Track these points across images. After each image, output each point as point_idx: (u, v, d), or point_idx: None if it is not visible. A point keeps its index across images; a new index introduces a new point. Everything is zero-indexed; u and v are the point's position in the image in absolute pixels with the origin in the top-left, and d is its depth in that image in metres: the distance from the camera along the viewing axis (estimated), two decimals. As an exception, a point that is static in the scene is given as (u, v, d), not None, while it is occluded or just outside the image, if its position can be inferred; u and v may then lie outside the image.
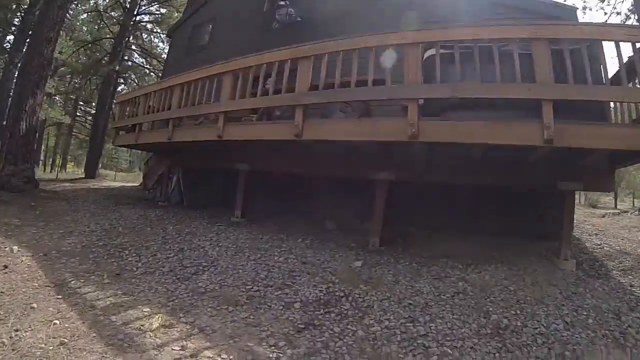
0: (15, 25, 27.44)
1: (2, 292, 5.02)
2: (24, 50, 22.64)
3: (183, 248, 7.18)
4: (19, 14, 26.96)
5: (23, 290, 5.17)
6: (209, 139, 8.23)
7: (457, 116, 5.63)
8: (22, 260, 6.30)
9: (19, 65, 11.97)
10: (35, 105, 12.94)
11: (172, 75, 11.07)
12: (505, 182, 7.24)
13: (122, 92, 11.92)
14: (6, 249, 6.78)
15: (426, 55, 6.15)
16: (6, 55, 26.05)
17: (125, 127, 12.22)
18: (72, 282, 5.58)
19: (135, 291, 5.33)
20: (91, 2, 31.86)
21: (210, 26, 16.23)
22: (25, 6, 25.52)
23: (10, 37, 28.16)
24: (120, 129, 12.85)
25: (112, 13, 31.12)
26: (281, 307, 5.00)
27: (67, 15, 19.00)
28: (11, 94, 23.92)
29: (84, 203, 11.64)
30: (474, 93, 5.39)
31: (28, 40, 19.53)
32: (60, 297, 5.05)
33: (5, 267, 5.90)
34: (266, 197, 10.51)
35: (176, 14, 28.20)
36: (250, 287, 5.55)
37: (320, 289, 5.50)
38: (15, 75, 22.31)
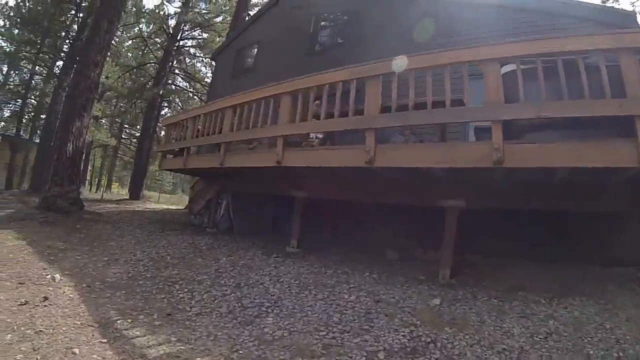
0: (64, 51, 28.55)
1: (40, 330, 4.48)
2: (72, 74, 23.24)
3: (240, 283, 6.51)
4: (67, 40, 27.95)
5: (63, 329, 4.60)
6: (266, 165, 7.67)
7: (537, 137, 5.00)
8: (64, 292, 5.80)
9: (67, 88, 12.01)
10: (82, 127, 12.82)
11: (217, 98, 10.78)
12: (585, 207, 6.43)
13: (168, 115, 11.75)
14: (48, 276, 6.34)
15: (502, 71, 5.52)
16: (55, 80, 26.89)
17: (172, 151, 11.81)
18: (119, 321, 5.00)
19: (191, 338, 4.66)
20: (136, 29, 32.82)
21: (255, 49, 16.21)
22: (74, 33, 26.40)
23: (60, 63, 29.54)
24: (166, 153, 12.47)
25: (156, 39, 31.89)
26: (364, 359, 4.31)
27: (113, 41, 19.26)
28: (59, 116, 24.56)
29: (129, 227, 11.27)
30: (561, 112, 4.68)
31: (75, 64, 19.85)
32: (105, 340, 4.45)
33: (46, 298, 5.42)
34: (319, 225, 9.91)
35: (218, 39, 28.64)
36: (324, 333, 4.81)
37: (402, 333, 4.75)
38: (64, 99, 22.87)
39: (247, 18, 22.43)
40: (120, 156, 43.61)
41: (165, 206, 23.29)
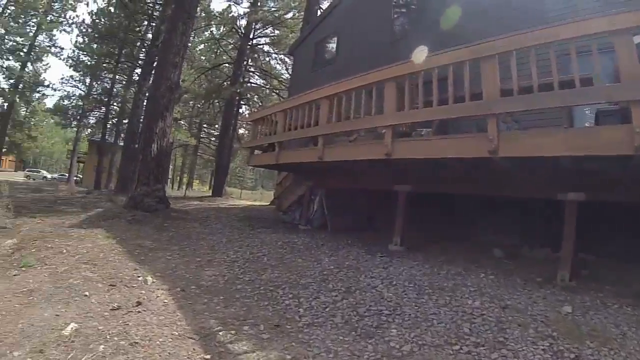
0: (141, 59, 29.94)
1: (135, 342, 4.08)
2: (151, 79, 23.88)
3: (350, 288, 5.84)
4: (143, 48, 29.07)
5: (160, 340, 4.18)
6: (373, 157, 7.06)
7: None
8: (158, 296, 5.46)
9: (148, 91, 12.15)
10: (165, 127, 12.84)
11: (299, 92, 10.36)
12: None
13: (254, 110, 11.47)
14: (139, 278, 6.08)
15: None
16: (135, 86, 27.96)
17: (261, 147, 11.51)
18: (221, 333, 4.52)
19: (308, 354, 4.03)
20: (207, 33, 33.39)
21: (334, 40, 15.65)
22: (149, 42, 27.27)
23: (138, 70, 30.69)
24: (254, 149, 12.11)
25: (229, 40, 32.29)
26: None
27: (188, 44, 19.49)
28: (141, 119, 25.35)
29: (217, 225, 11.05)
30: None
31: (154, 69, 20.24)
32: (209, 357, 3.93)
33: (139, 303, 5.09)
34: (418, 221, 9.05)
35: (291, 34, 28.44)
36: (458, 347, 4.11)
37: (542, 347, 3.99)
38: (145, 102, 23.59)
39: (319, 11, 21.97)
40: (200, 154, 44.69)
41: (248, 202, 23.37)
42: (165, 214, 11.74)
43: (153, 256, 7.48)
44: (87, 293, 5.34)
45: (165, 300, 5.34)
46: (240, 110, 33.17)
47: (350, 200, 11.02)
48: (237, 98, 29.85)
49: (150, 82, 19.33)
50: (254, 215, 13.92)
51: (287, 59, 31.80)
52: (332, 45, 15.84)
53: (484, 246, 7.81)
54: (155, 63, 13.68)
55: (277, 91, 30.29)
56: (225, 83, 30.18)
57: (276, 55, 32.20)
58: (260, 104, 31.13)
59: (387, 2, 12.96)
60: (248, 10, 28.94)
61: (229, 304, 5.37)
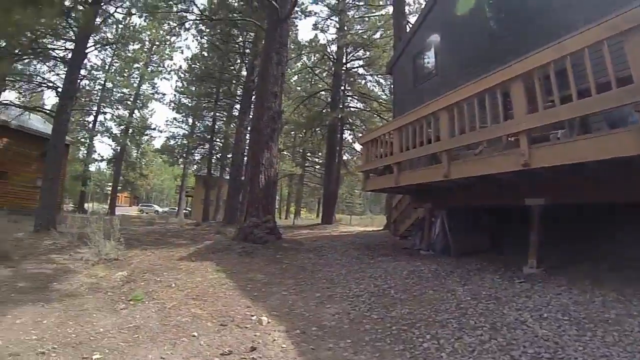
0: (238, 96, 30.97)
1: None
2: (251, 112, 24.40)
3: (495, 324, 4.77)
4: (240, 86, 30.13)
5: None
6: (507, 170, 6.10)
7: None
8: (274, 339, 4.75)
9: (250, 123, 12.14)
10: (271, 157, 12.55)
11: (404, 111, 9.62)
12: None
13: (363, 133, 10.80)
14: (253, 317, 5.44)
15: None
16: (236, 121, 28.76)
17: (375, 170, 10.61)
18: None
19: None
20: (298, 64, 33.82)
21: (432, 50, 14.66)
22: (244, 78, 28.09)
23: (237, 106, 31.74)
24: (369, 172, 11.07)
25: (323, 67, 32.41)
26: None
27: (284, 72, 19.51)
28: (245, 152, 25.85)
29: (333, 255, 10.37)
30: None
31: (253, 102, 20.53)
32: None
33: (254, 349, 4.42)
34: (551, 238, 7.80)
35: (384, 53, 27.84)
36: None
37: None
38: (247, 135, 24.08)
39: (407, 26, 21.20)
40: (306, 183, 45.09)
41: (359, 228, 22.62)
42: (277, 245, 11.28)
43: (267, 291, 6.88)
44: (195, 333, 4.84)
45: (284, 345, 4.61)
46: (344, 136, 33.12)
47: (472, 220, 10.04)
48: (339, 124, 29.77)
49: (251, 114, 19.47)
50: (369, 242, 13.11)
51: (382, 80, 31.56)
52: (431, 56, 14.77)
53: (632, 263, 6.38)
54: (254, 96, 13.68)
55: (378, 113, 29.64)
56: (324, 110, 30.16)
57: (371, 77, 31.96)
58: (364, 127, 30.72)
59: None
60: (336, 35, 28.90)
61: (357, 349, 4.51)
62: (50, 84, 19.27)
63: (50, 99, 54.28)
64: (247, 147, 22.27)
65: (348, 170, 35.59)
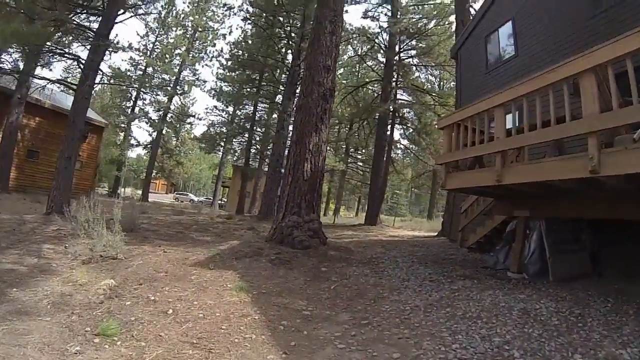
0: (282, 82, 28.98)
1: None
2: (295, 99, 22.20)
3: None
4: (285, 71, 28.00)
5: None
6: None
7: None
8: None
9: (296, 102, 9.93)
10: (320, 142, 10.18)
11: (472, 99, 8.26)
12: None
13: (448, 113, 8.77)
14: None
15: None
16: (278, 107, 26.57)
17: (457, 163, 7.78)
18: None
19: None
20: (345, 57, 32.13)
21: (509, 28, 12.63)
22: (289, 63, 25.95)
23: (279, 97, 30.04)
24: (452, 167, 7.85)
25: (373, 56, 30.42)
26: None
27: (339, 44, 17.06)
28: (287, 140, 23.71)
29: (395, 271, 7.88)
30: None
31: (301, 80, 18.23)
32: None
33: None
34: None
35: (442, 43, 25.80)
36: None
37: None
38: (292, 121, 21.86)
39: (471, 8, 19.44)
40: (347, 179, 42.94)
41: (409, 232, 20.44)
42: (321, 253, 8.86)
43: (311, 336, 4.43)
44: None
45: None
46: (395, 131, 30.70)
47: (571, 236, 7.67)
48: (390, 118, 27.49)
49: (296, 101, 17.03)
50: (432, 253, 10.66)
51: (436, 72, 29.28)
52: (509, 35, 12.72)
53: None
54: (303, 69, 11.31)
55: (433, 106, 27.03)
56: (375, 102, 27.73)
57: (425, 69, 29.43)
58: (418, 120, 28.16)
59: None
60: (387, 24, 26.35)
61: None
62: (73, 56, 17.36)
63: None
64: (290, 135, 20.09)
65: (395, 169, 33.04)
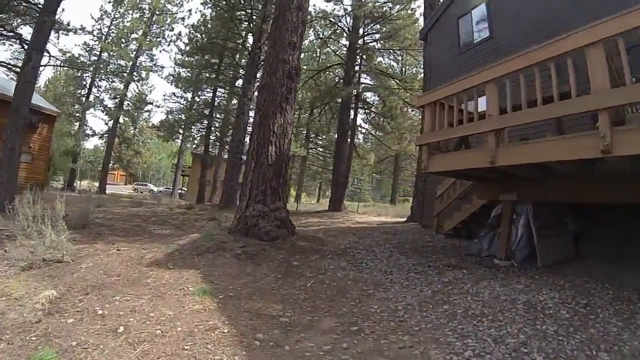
0: (242, 66, 27.90)
1: None
2: (256, 83, 21.28)
3: None
4: (245, 55, 27.05)
5: None
6: None
7: None
8: None
9: (260, 79, 9.11)
10: (285, 124, 9.38)
11: (442, 82, 7.39)
12: None
13: (428, 92, 8.33)
14: None
15: None
16: (238, 92, 25.48)
17: (445, 145, 7.21)
18: None
19: None
20: (306, 42, 30.70)
21: (484, 10, 12.20)
22: (249, 47, 25.17)
23: (239, 82, 29.16)
24: (434, 148, 7.12)
25: (337, 40, 29.44)
26: None
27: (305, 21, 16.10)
28: (247, 128, 22.82)
29: (375, 263, 7.18)
30: None
31: (263, 58, 17.27)
32: None
33: None
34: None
35: (407, 27, 25.31)
36: None
37: None
38: (253, 101, 20.81)
39: None
40: (308, 165, 42.21)
41: (375, 218, 19.79)
42: (290, 244, 8.13)
43: (294, 351, 3.65)
44: None
45: None
46: (358, 115, 29.97)
47: (556, 220, 7.32)
48: (353, 101, 26.87)
49: (261, 73, 15.89)
50: (408, 240, 10.04)
51: (401, 57, 28.56)
52: (483, 17, 12.29)
53: None
54: (267, 46, 10.34)
55: (399, 90, 26.51)
56: (337, 86, 27.05)
57: (390, 54, 28.87)
58: (384, 104, 27.53)
59: None
60: (351, 7, 25.63)
61: None
62: (13, 34, 15.90)
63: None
64: (252, 119, 19.20)
65: (357, 154, 32.44)
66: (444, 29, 14.19)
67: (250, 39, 26.13)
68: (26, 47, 13.70)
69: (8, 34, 16.18)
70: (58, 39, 27.28)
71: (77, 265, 5.96)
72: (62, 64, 24.19)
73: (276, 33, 10.24)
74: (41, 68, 14.82)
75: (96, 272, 5.63)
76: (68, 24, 20.04)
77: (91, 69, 36.06)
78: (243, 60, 28.52)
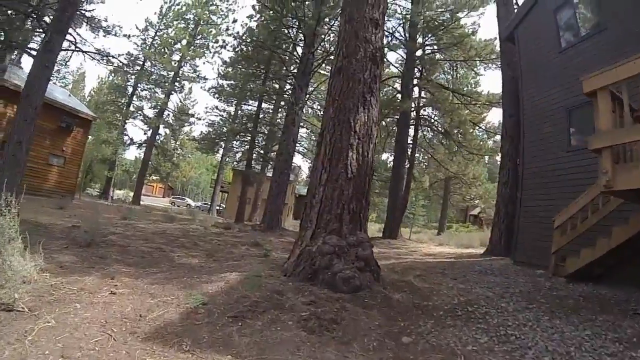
0: (291, 74, 25.63)
1: None
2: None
3: None
4: (296, 60, 24.70)
5: None
6: None
7: None
8: None
9: (333, 62, 6.68)
10: (370, 123, 6.65)
11: (536, 86, 7.88)
12: None
13: (608, 68, 6.51)
14: None
15: None
16: (290, 98, 22.58)
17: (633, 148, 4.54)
18: None
19: None
20: None
21: None
22: (298, 55, 23.16)
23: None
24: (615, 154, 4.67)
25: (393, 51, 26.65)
26: None
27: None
28: (297, 138, 20.28)
29: (524, 332, 4.41)
30: None
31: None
32: None
33: None
34: None
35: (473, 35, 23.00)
36: None
37: None
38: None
39: None
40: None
41: (440, 248, 17.35)
42: (383, 299, 5.24)
43: None
44: None
45: None
46: (419, 132, 26.91)
47: None
48: (414, 118, 24.36)
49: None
50: (525, 286, 7.07)
51: (461, 70, 26.29)
52: (589, 5, 10.16)
53: None
54: (340, 24, 7.45)
55: (467, 103, 23.72)
56: (394, 100, 24.34)
57: (453, 67, 26.02)
58: (450, 120, 24.52)
59: None
60: (410, 15, 23.03)
61: None
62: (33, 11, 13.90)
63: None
64: (302, 131, 16.61)
65: (413, 176, 29.32)
66: (536, 26, 11.84)
67: (299, 49, 23.91)
68: (45, 26, 11.55)
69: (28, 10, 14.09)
70: (96, 37, 25.86)
71: (27, 324, 3.39)
72: (92, 57, 22.30)
73: (351, 8, 7.51)
74: (74, 68, 12.68)
75: (48, 348, 3.02)
76: (105, 20, 18.11)
77: (126, 69, 34.92)
78: (292, 67, 25.88)
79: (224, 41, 37.91)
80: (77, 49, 16.36)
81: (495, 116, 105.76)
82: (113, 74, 40.05)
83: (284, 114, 25.39)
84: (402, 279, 6.87)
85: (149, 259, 6.91)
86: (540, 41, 11.51)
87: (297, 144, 20.98)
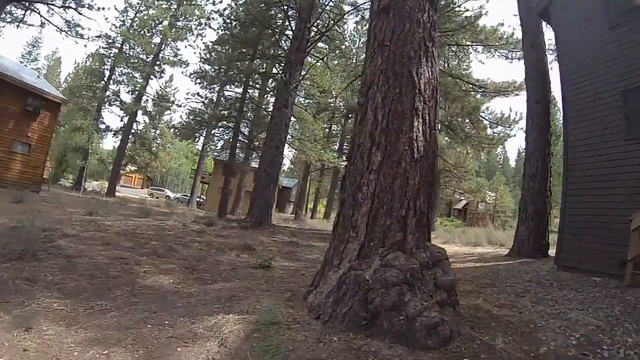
0: (282, 53, 22.76)
1: None
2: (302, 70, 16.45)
3: None
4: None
5: None
6: None
7: None
8: None
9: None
10: (434, 83, 4.53)
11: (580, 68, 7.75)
12: None
13: None
14: None
15: None
16: (281, 77, 20.20)
17: None
18: None
19: None
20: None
21: None
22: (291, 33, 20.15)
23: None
24: None
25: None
26: None
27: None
28: (288, 122, 17.97)
29: None
30: None
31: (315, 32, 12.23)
32: None
33: None
34: None
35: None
36: None
37: None
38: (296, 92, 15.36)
39: None
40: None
41: (454, 246, 15.45)
42: (488, 355, 3.01)
43: None
44: None
45: None
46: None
47: None
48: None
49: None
50: (611, 305, 5.14)
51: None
52: None
53: None
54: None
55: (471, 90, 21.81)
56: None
57: (463, 51, 23.89)
58: (461, 108, 22.46)
59: None
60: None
61: None
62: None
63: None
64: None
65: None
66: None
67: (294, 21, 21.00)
68: None
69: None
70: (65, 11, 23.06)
71: None
72: (60, 29, 19.08)
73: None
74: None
75: None
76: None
77: (109, 60, 32.32)
78: (286, 44, 23.16)
79: (208, 18, 35.28)
80: (31, 7, 13.91)
81: (498, 105, 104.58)
82: (91, 59, 37.43)
83: (273, 98, 23.04)
84: (471, 302, 4.72)
85: (101, 281, 4.64)
86: (584, 17, 9.99)
87: (288, 124, 18.78)
